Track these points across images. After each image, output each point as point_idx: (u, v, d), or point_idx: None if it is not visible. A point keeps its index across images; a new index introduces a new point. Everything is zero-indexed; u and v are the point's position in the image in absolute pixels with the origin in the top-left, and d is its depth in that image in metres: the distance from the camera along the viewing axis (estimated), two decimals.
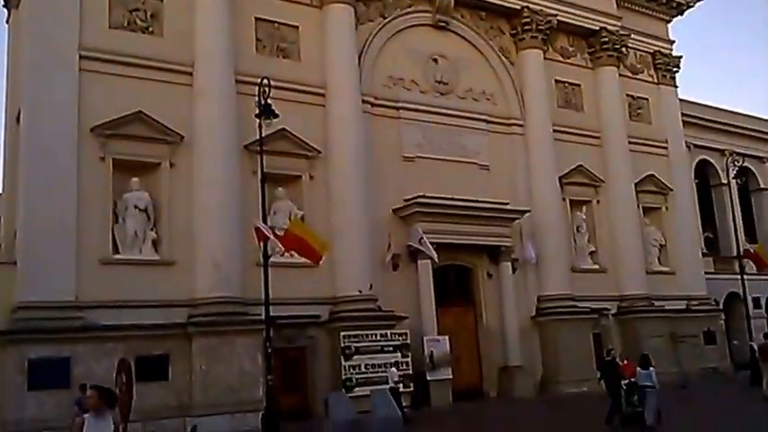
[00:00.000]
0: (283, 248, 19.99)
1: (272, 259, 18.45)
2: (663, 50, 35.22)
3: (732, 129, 39.93)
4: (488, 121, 28.52)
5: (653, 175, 32.89)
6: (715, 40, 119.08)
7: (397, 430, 15.22)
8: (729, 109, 40.63)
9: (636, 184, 31.91)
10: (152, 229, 20.80)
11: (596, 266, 30.32)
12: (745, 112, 41.58)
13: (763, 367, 22.21)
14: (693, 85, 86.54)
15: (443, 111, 27.30)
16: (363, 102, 25.06)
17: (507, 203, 27.16)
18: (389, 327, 23.13)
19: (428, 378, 23.48)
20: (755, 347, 26.40)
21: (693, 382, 27.08)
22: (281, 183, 23.02)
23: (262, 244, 17.83)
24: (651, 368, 16.23)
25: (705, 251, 36.28)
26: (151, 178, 21.15)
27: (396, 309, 23.57)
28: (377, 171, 24.69)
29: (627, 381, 16.93)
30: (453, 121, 27.51)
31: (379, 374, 21.79)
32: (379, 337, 22.62)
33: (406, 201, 24.99)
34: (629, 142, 32.16)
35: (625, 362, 18.96)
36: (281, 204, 22.93)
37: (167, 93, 21.35)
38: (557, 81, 31.01)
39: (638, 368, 16.43)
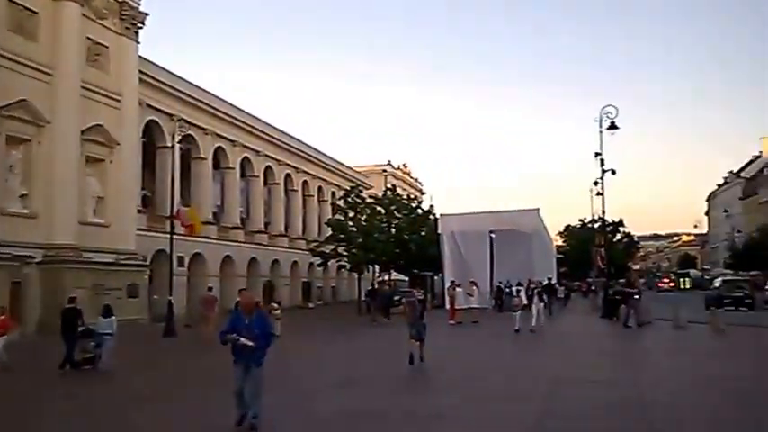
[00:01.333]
0: None
1: None
2: (131, 2, 34.83)
3: (185, 97, 41.70)
4: None
5: (102, 126, 32.34)
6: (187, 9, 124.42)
7: None
8: (185, 78, 42.42)
9: (82, 132, 30.94)
10: None
11: (26, 211, 28.39)
12: (198, 84, 43.95)
13: (203, 317, 24.84)
14: (157, 46, 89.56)
15: None
16: None
17: None
18: None
19: None
20: (173, 302, 28.75)
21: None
22: None
23: None
24: (112, 317, 17.01)
25: (141, 208, 37.28)
26: None
27: None
28: None
29: (84, 327, 16.80)
30: None
31: None
32: None
33: None
34: (83, 87, 31.04)
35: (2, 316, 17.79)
36: None
37: None
38: (10, 1, 27.90)
39: (100, 317, 17.07)
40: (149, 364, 19.27)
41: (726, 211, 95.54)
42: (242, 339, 8.90)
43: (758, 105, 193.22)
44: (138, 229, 35.58)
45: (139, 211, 36.74)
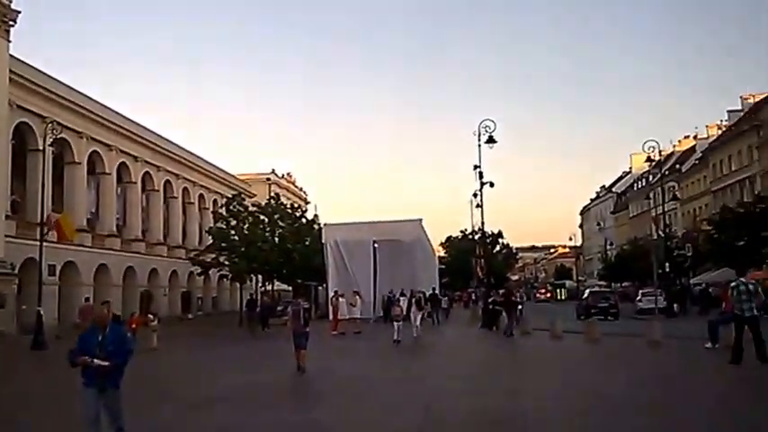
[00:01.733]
0: None
1: None
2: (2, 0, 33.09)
3: (58, 98, 39.91)
4: None
5: None
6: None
7: None
8: (59, 79, 40.61)
9: None
10: None
11: None
12: (72, 86, 42.14)
13: (80, 328, 23.46)
14: (30, 45, 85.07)
15: None
16: None
17: None
18: None
19: None
20: (42, 313, 27.48)
21: None
22: None
23: None
24: None
25: (9, 214, 35.48)
26: None
27: None
28: None
29: None
30: None
31: None
32: None
33: None
34: None
35: None
36: None
37: None
38: None
39: None
40: (15, 377, 18.37)
41: (599, 224, 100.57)
42: (96, 360, 7.79)
43: (629, 122, 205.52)
44: (7, 236, 33.87)
45: (7, 217, 34.92)
